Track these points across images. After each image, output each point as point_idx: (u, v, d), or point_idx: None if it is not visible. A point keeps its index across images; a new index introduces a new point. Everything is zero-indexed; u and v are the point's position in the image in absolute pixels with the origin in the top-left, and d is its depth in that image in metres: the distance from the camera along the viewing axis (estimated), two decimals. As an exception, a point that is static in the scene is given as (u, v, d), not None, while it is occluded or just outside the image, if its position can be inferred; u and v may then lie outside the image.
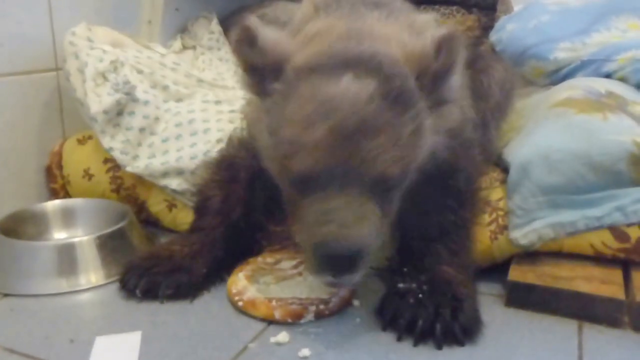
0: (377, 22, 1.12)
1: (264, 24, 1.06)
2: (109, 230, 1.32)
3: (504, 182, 1.31)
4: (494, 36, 1.92)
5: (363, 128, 0.94)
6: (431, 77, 1.01)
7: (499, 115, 1.48)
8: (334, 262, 0.95)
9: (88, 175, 1.56)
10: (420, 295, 1.07)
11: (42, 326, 1.12)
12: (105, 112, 1.44)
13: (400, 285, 1.12)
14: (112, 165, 1.53)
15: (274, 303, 1.12)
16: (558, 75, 1.73)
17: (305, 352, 1.01)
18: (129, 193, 1.53)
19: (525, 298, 1.14)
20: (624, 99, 1.34)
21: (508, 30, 1.88)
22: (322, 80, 0.97)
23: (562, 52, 1.73)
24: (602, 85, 1.43)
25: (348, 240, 0.94)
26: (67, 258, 1.26)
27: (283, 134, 0.99)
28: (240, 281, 1.20)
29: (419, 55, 1.01)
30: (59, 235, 1.45)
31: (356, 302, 1.18)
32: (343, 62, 0.98)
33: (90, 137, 1.60)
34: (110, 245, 1.30)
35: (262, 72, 1.04)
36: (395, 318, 1.07)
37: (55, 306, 1.19)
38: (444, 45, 0.99)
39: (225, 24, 1.95)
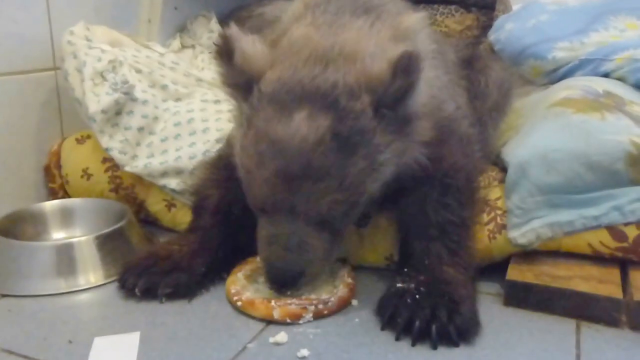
0: (355, 34, 1.10)
1: (244, 33, 1.07)
2: (108, 230, 1.32)
3: (502, 181, 1.31)
4: (492, 35, 1.93)
5: (308, 172, 0.99)
6: (388, 104, 1.01)
7: (497, 114, 1.48)
8: (278, 278, 1.09)
9: (87, 174, 1.55)
10: (418, 296, 1.08)
11: (40, 327, 1.11)
12: (104, 111, 1.44)
13: (399, 285, 1.12)
14: (111, 164, 1.53)
15: (272, 303, 1.12)
16: (556, 74, 1.74)
17: (304, 352, 1.01)
18: (128, 193, 1.53)
19: (523, 297, 1.14)
20: (621, 99, 1.35)
21: (507, 30, 1.88)
22: (275, 115, 1.01)
23: (561, 52, 1.73)
24: (600, 84, 1.43)
25: (289, 263, 1.06)
26: (65, 258, 1.26)
27: (242, 162, 1.07)
28: (239, 281, 1.20)
29: (376, 81, 1.00)
30: (58, 235, 1.45)
31: (355, 302, 1.18)
32: (299, 96, 1.01)
33: (89, 137, 1.59)
34: (109, 245, 1.30)
35: (235, 88, 1.07)
36: (393, 318, 1.08)
37: (54, 307, 1.19)
38: (399, 68, 0.98)
39: (225, 22, 1.95)
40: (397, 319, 1.07)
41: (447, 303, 1.05)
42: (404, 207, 1.20)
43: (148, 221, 1.54)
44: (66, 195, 1.61)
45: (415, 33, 1.17)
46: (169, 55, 1.65)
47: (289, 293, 1.12)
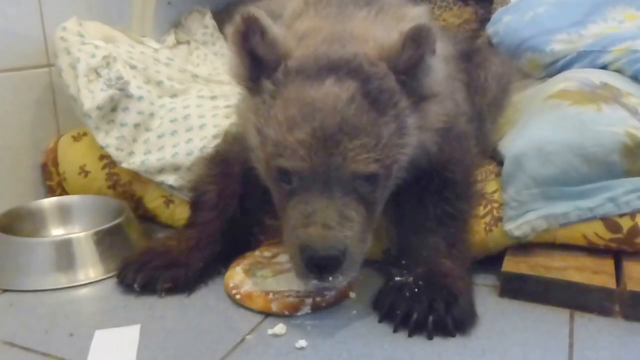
0: (362, 22, 1.14)
1: (266, 16, 1.07)
2: (106, 226, 1.32)
3: (499, 174, 1.32)
4: (490, 28, 1.92)
5: (344, 129, 0.99)
6: (402, 70, 1.04)
7: (496, 109, 1.49)
8: (319, 263, 0.99)
9: (84, 172, 1.56)
10: (416, 290, 1.08)
11: (41, 320, 1.13)
12: (99, 108, 1.44)
13: (397, 278, 1.13)
14: (108, 161, 1.53)
15: (271, 296, 1.13)
16: (554, 67, 1.73)
17: (301, 343, 1.02)
18: (126, 189, 1.54)
19: (518, 288, 1.15)
20: (618, 90, 1.35)
21: (504, 23, 1.87)
22: (306, 83, 1.03)
23: (559, 44, 1.73)
24: (597, 76, 1.44)
25: (332, 241, 0.98)
26: (65, 254, 1.27)
27: (268, 134, 1.05)
28: (237, 275, 1.21)
29: (388, 51, 1.04)
30: (56, 231, 1.46)
31: (352, 295, 1.19)
32: (326, 66, 1.03)
33: (85, 134, 1.60)
34: (108, 241, 1.31)
35: (261, 66, 1.07)
36: (392, 310, 1.08)
37: (54, 301, 1.20)
38: (410, 37, 1.02)
39: (219, 18, 1.95)
40: (395, 311, 1.07)
41: (444, 296, 1.06)
42: (402, 201, 1.20)
43: (146, 217, 1.55)
44: (64, 192, 1.62)
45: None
46: (164, 51, 1.65)
47: (330, 279, 1.01)
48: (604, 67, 1.61)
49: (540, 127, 1.24)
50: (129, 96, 1.46)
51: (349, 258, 1.01)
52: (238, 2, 2.01)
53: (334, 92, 1.00)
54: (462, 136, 1.26)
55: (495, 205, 1.26)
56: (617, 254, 1.19)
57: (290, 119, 1.01)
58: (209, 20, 1.88)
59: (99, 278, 1.28)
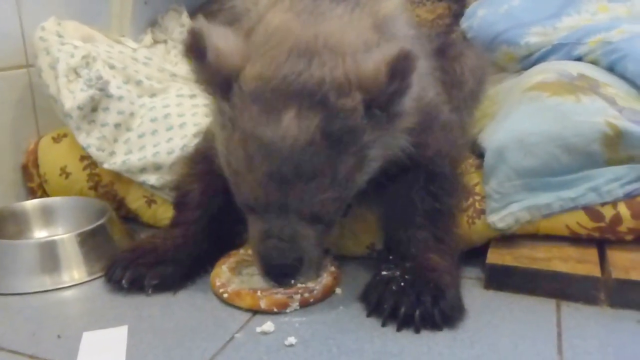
0: (337, 24, 1.08)
1: (214, 26, 1.03)
2: (90, 227, 1.31)
3: (479, 167, 1.33)
4: (465, 23, 1.94)
5: (300, 172, 1.00)
6: (381, 104, 1.01)
7: (472, 102, 1.50)
8: (276, 271, 1.10)
9: (65, 173, 1.54)
10: (403, 284, 1.09)
11: (28, 323, 1.11)
12: (80, 108, 1.42)
13: (384, 273, 1.13)
14: (89, 162, 1.51)
15: (259, 293, 1.12)
16: (530, 60, 1.75)
17: (291, 340, 1.02)
18: (107, 190, 1.52)
19: (504, 280, 1.16)
20: (595, 81, 1.37)
21: (479, 17, 1.89)
22: (263, 116, 0.99)
23: (534, 37, 1.74)
24: (574, 68, 1.46)
25: (287, 253, 1.07)
26: (49, 256, 1.25)
27: (230, 163, 1.07)
28: (223, 273, 1.21)
29: (370, 82, 0.98)
30: (40, 233, 1.44)
31: (339, 291, 1.19)
32: (286, 94, 0.98)
33: (65, 135, 1.58)
34: (92, 242, 1.30)
35: (212, 86, 1.05)
36: (379, 305, 1.09)
37: (40, 303, 1.19)
38: (396, 69, 0.96)
39: (196, 16, 1.93)
40: (383, 305, 1.08)
41: (431, 289, 1.07)
42: (389, 195, 1.20)
43: (128, 218, 1.54)
44: (45, 194, 1.60)
45: (394, 20, 1.17)
46: (142, 50, 1.64)
47: (292, 282, 1.12)
48: (579, 58, 1.64)
49: (521, 119, 1.25)
50: (109, 96, 1.45)
51: (306, 263, 1.10)
52: (214, 0, 2.01)
53: (292, 133, 0.97)
54: (448, 127, 1.26)
55: (478, 198, 1.27)
56: (600, 243, 1.21)
57: (248, 156, 1.02)
58: (186, 19, 1.87)
59: (83, 280, 1.26)
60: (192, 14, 1.95)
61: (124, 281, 1.19)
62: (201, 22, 1.03)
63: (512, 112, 1.29)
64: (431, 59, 1.38)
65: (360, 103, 0.99)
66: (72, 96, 1.42)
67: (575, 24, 1.75)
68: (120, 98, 1.46)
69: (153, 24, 1.88)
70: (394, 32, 1.16)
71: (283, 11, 1.12)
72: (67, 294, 1.23)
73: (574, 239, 1.22)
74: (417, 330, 1.04)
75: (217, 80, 1.03)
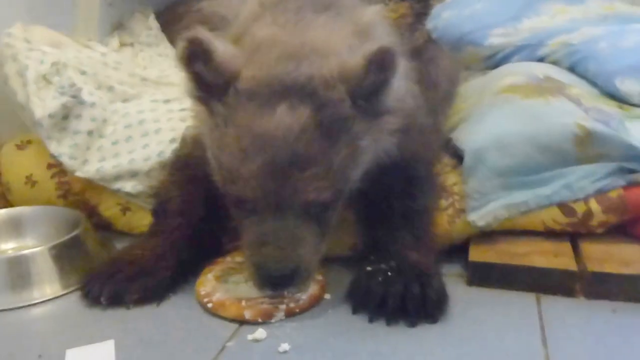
0: (321, 31, 1.12)
1: (213, 37, 1.05)
2: (64, 239, 1.26)
3: (455, 167, 1.37)
4: (430, 24, 1.98)
5: (294, 161, 1.00)
6: (363, 95, 1.03)
7: (446, 103, 1.53)
8: (272, 280, 1.06)
9: (31, 181, 1.49)
10: (390, 274, 1.11)
11: (4, 343, 1.07)
12: (51, 116, 1.38)
13: (368, 268, 1.15)
14: (58, 170, 1.47)
15: (243, 303, 1.11)
16: (493, 60, 1.81)
17: (285, 346, 1.02)
18: (78, 198, 1.48)
19: (486, 276, 1.20)
20: (561, 83, 1.43)
21: (444, 18, 1.94)
22: (257, 111, 1.02)
23: (496, 38, 1.81)
24: (540, 69, 1.52)
25: (284, 261, 1.04)
26: (19, 271, 1.20)
27: (222, 160, 1.06)
28: (208, 282, 1.19)
29: (351, 74, 1.02)
30: (7, 245, 1.39)
31: (328, 296, 1.19)
32: (278, 90, 1.02)
33: (29, 142, 1.53)
34: (67, 255, 1.25)
35: (211, 89, 1.05)
36: (365, 299, 1.10)
37: (14, 322, 1.14)
38: (374, 62, 1.00)
39: (162, 18, 1.90)
40: (369, 299, 1.10)
41: (418, 277, 1.09)
42: (368, 197, 1.22)
43: (100, 226, 1.48)
44: (7, 203, 1.53)
45: (375, 27, 1.20)
46: (111, 54, 1.60)
47: (285, 293, 1.11)
48: (541, 59, 1.71)
49: (497, 121, 1.29)
50: (82, 103, 1.41)
51: (302, 272, 1.07)
52: (181, 3, 1.98)
53: (286, 123, 1.00)
54: (423, 131, 1.29)
55: (457, 197, 1.30)
56: (572, 237, 1.26)
57: (243, 150, 1.02)
58: (153, 22, 1.83)
59: (57, 295, 1.21)
60: (159, 16, 1.91)
61: (102, 297, 1.15)
62: (199, 30, 1.03)
63: (487, 114, 1.33)
64: (408, 63, 1.40)
65: (345, 94, 1.03)
66: (43, 104, 1.38)
67: (535, 25, 1.83)
68: (92, 105, 1.42)
69: (118, 27, 1.84)
70: (375, 38, 1.18)
71: (267, 25, 1.15)
72: (41, 310, 1.18)
73: (549, 234, 1.27)
74: (413, 324, 1.06)
75: (218, 82, 1.04)
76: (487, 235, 1.28)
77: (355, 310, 1.12)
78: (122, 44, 1.76)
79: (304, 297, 1.14)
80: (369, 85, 1.02)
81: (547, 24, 1.81)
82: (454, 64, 1.60)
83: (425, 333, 1.06)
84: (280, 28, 1.13)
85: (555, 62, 1.68)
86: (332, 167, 1.03)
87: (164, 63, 1.72)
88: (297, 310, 1.13)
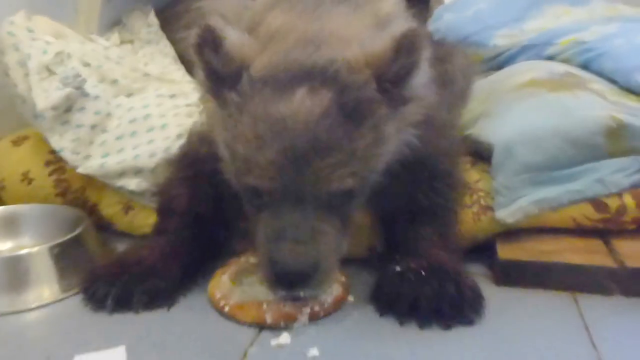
0: (341, 19, 1.08)
1: (226, 24, 1.01)
2: (65, 238, 1.18)
3: (474, 164, 1.32)
4: (431, 26, 1.95)
5: (316, 147, 0.94)
6: (391, 79, 0.98)
7: (461, 102, 1.49)
8: (289, 278, 0.96)
9: (27, 179, 1.40)
10: (422, 272, 1.05)
11: (9, 348, 0.98)
12: (54, 108, 1.30)
13: (397, 268, 1.08)
14: (56, 167, 1.39)
15: (264, 306, 1.04)
16: (497, 60, 1.77)
17: (313, 352, 0.95)
18: (77, 196, 1.39)
19: (517, 275, 1.14)
20: (583, 78, 1.40)
21: (446, 20, 1.91)
22: (274, 95, 0.96)
23: (501, 39, 1.78)
24: (556, 66, 1.48)
25: (303, 257, 0.95)
26: (16, 272, 1.11)
27: (237, 150, 0.98)
28: (223, 284, 1.11)
29: (378, 57, 0.98)
30: (4, 246, 1.30)
31: (351, 298, 1.12)
32: (298, 74, 0.96)
33: (26, 138, 1.45)
34: (68, 255, 1.17)
35: (222, 78, 1.00)
36: (395, 301, 1.04)
37: (13, 326, 1.05)
38: (403, 45, 0.96)
39: (162, 17, 1.83)
40: (399, 301, 1.03)
41: (452, 277, 1.03)
42: (390, 193, 1.16)
43: (100, 227, 1.39)
44: (1, 202, 1.44)
45: (395, 17, 1.15)
46: (114, 49, 1.53)
47: (301, 294, 1.00)
48: (550, 58, 1.67)
49: (525, 115, 1.25)
50: (86, 95, 1.33)
51: (321, 272, 0.98)
52: (180, 1, 1.91)
53: (306, 106, 0.93)
54: (446, 125, 1.24)
55: (481, 194, 1.25)
56: (602, 234, 1.21)
57: (259, 136, 0.95)
58: (153, 19, 1.76)
59: (57, 298, 1.13)
60: (159, 14, 1.84)
61: (108, 300, 1.07)
62: (214, 19, 0.99)
63: (513, 107, 1.29)
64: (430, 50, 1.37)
65: (370, 77, 0.97)
66: (45, 95, 1.29)
67: (541, 26, 1.80)
68: (96, 97, 1.34)
69: (117, 23, 1.77)
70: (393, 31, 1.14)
71: (283, 13, 1.10)
72: (40, 314, 1.10)
73: (577, 230, 1.22)
74: (449, 327, 1.00)
75: (229, 70, 0.98)
76: (513, 233, 1.22)
77: (383, 313, 1.06)
78: (122, 41, 1.69)
79: (329, 299, 1.07)
80: (397, 69, 0.97)
81: (553, 24, 1.79)
82: (469, 62, 1.56)
83: (462, 336, 0.99)
84: (296, 17, 1.08)
85: (565, 61, 1.63)
86: (356, 154, 0.96)
87: (164, 60, 1.65)
88: (322, 314, 1.05)
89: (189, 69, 1.54)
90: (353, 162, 0.96)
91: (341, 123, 0.94)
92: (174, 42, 1.74)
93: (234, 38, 0.99)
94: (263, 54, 0.99)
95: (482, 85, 1.61)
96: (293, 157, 0.93)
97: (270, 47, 1.01)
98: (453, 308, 1.01)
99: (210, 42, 0.97)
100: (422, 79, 1.02)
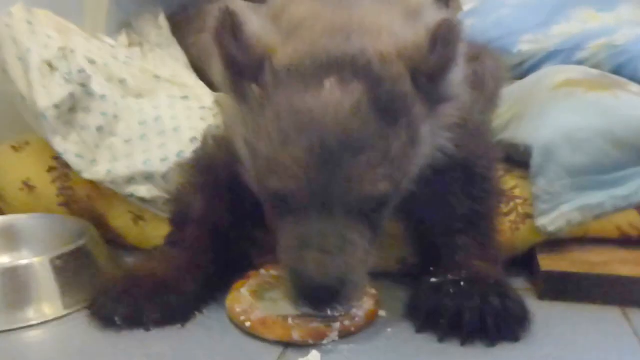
0: (370, 8, 1.02)
1: (249, 9, 0.93)
2: (69, 248, 1.09)
3: (508, 170, 1.24)
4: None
5: (347, 144, 0.85)
6: (427, 73, 0.91)
7: (492, 105, 1.42)
8: (315, 294, 0.89)
9: (28, 187, 1.31)
10: (463, 284, 0.97)
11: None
12: (57, 106, 1.21)
13: (433, 279, 1.00)
14: (60, 174, 1.30)
15: (290, 321, 0.95)
16: (522, 68, 1.72)
17: (348, 371, 0.86)
18: (83, 206, 1.30)
19: (562, 288, 1.06)
20: (618, 80, 1.33)
21: (467, 26, 1.85)
22: (300, 86, 0.87)
23: (526, 45, 1.72)
24: (590, 69, 1.42)
25: (330, 268, 0.87)
26: (14, 285, 1.03)
27: (259, 149, 0.91)
28: (243, 298, 1.02)
29: (412, 50, 0.90)
30: (2, 259, 1.21)
31: (383, 313, 1.03)
32: (326, 64, 0.88)
33: (27, 143, 1.36)
34: (71, 268, 1.08)
35: (242, 68, 0.92)
36: (434, 316, 0.96)
37: (15, 344, 0.98)
38: (440, 37, 0.88)
39: (174, 21, 1.76)
40: (437, 316, 0.95)
41: (496, 290, 0.95)
42: (423, 200, 1.07)
43: (108, 240, 1.30)
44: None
45: (426, 9, 1.08)
46: (121, 49, 1.45)
47: (329, 312, 0.93)
48: (579, 63, 1.61)
49: (563, 115, 1.17)
50: (91, 94, 1.24)
51: (350, 286, 0.90)
52: (192, 5, 1.84)
53: (336, 98, 0.85)
54: (481, 128, 1.17)
55: (519, 201, 1.17)
56: (644, 244, 1.13)
57: (283, 132, 0.86)
58: (163, 21, 1.69)
59: (58, 315, 1.04)
60: (171, 18, 1.77)
61: (117, 317, 0.99)
62: (236, 3, 0.91)
63: (550, 108, 1.21)
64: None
65: (405, 70, 0.90)
66: (47, 92, 1.21)
67: (566, 31, 1.75)
68: (103, 97, 1.25)
69: (126, 25, 1.70)
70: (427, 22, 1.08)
71: (307, 2, 1.03)
72: (43, 331, 1.01)
73: (621, 241, 1.14)
74: (493, 344, 0.92)
75: (251, 59, 0.90)
76: (554, 243, 1.14)
77: (420, 329, 0.97)
78: (131, 44, 1.62)
79: (359, 313, 0.98)
80: (434, 62, 0.89)
81: (580, 29, 1.74)
82: (498, 63, 1.49)
83: (508, 354, 0.91)
84: (321, 5, 1.01)
85: (596, 66, 1.57)
86: (390, 155, 0.88)
87: (176, 64, 1.57)
88: (353, 329, 0.97)
89: (202, 77, 1.47)
90: (386, 164, 0.88)
91: (374, 119, 0.86)
92: (185, 48, 1.67)
93: (256, 25, 0.91)
94: (287, 43, 0.92)
95: (511, 91, 1.54)
96: (321, 154, 0.85)
97: (295, 36, 0.93)
98: (498, 323, 0.92)
99: (230, 27, 0.89)
100: (458, 76, 0.95)
